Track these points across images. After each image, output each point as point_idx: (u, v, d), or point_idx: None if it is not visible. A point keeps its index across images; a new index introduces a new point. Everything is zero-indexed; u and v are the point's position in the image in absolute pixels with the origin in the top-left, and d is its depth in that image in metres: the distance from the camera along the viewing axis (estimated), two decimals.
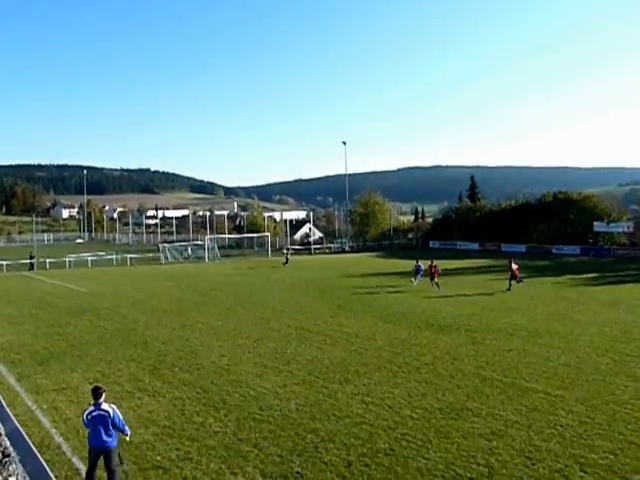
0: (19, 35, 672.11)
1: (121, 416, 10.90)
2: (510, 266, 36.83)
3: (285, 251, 62.58)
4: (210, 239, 72.96)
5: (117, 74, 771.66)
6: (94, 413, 10.64)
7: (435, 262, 38.44)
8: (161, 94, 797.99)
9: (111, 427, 10.65)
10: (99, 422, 10.60)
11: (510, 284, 36.34)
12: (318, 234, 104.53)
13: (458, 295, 34.55)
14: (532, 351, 20.36)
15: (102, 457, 10.63)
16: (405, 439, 12.70)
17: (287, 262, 58.65)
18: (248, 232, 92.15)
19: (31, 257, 61.25)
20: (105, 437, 10.58)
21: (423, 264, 39.94)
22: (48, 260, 61.07)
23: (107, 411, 10.67)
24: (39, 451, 11.40)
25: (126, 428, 11.03)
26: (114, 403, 14.93)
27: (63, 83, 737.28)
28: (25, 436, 11.14)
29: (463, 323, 25.71)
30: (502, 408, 14.47)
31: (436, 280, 37.16)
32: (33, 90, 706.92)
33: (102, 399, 10.76)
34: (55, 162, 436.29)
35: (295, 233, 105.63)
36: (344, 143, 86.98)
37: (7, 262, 58.83)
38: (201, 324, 26.68)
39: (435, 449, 12.17)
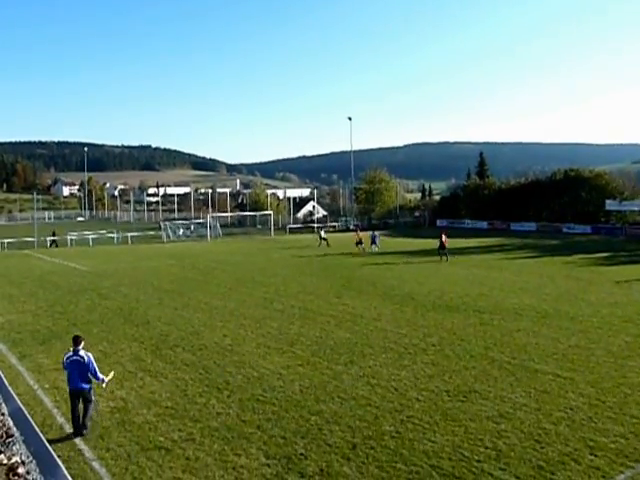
0: (18, 11, 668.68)
1: (95, 364, 12.76)
2: (441, 238, 41.65)
3: (321, 231, 57.84)
4: (212, 217, 72.89)
5: (118, 50, 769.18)
6: (72, 358, 12.60)
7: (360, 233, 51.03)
8: (163, 70, 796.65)
9: (86, 371, 12.51)
10: (75, 366, 12.53)
11: (446, 255, 41.15)
12: (322, 212, 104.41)
13: (466, 275, 34.53)
14: (541, 332, 20.36)
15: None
16: (411, 421, 12.74)
17: (325, 242, 53.77)
18: (251, 210, 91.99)
19: (53, 234, 62.57)
20: (80, 380, 12.48)
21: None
22: (49, 238, 61.21)
23: (82, 357, 12.55)
24: (41, 431, 11.45)
25: (99, 375, 12.76)
26: (117, 384, 15.09)
27: (64, 59, 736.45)
28: (28, 416, 11.18)
29: (471, 303, 25.71)
30: (510, 390, 14.50)
31: (363, 245, 48.42)
32: (33, 67, 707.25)
33: (80, 347, 12.71)
34: (56, 139, 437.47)
35: (298, 211, 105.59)
36: (349, 119, 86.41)
37: (8, 240, 58.99)
38: (203, 304, 26.75)
39: (442, 432, 12.21)
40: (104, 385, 13.11)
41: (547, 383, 14.96)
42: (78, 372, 12.51)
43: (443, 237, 41.70)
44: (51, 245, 60.79)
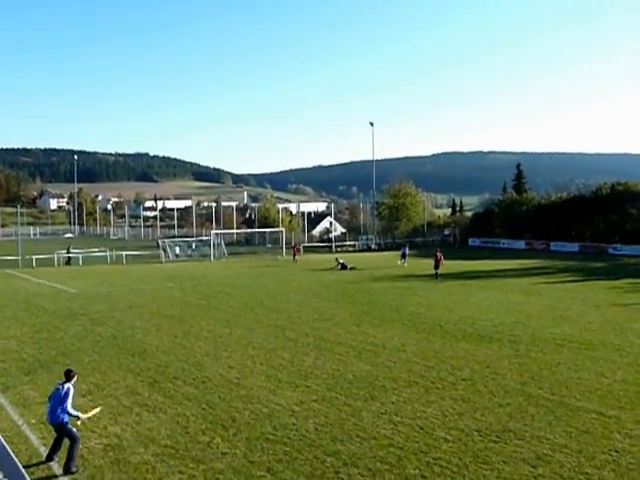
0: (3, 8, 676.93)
1: (70, 397, 12.85)
2: (436, 256, 45.79)
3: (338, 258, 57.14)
4: (216, 234, 73.26)
5: (111, 48, 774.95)
6: (54, 387, 13.29)
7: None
8: (161, 71, 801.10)
9: (62, 402, 12.79)
10: (53, 397, 13.03)
11: (437, 276, 44.86)
12: (340, 229, 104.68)
13: (501, 301, 34.55)
14: (584, 365, 20.37)
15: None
16: (438, 464, 12.81)
17: (344, 267, 53.85)
18: (260, 226, 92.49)
19: (68, 251, 64.61)
20: (53, 412, 12.84)
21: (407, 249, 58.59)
22: (34, 257, 61.64)
23: (62, 387, 12.96)
24: (27, 471, 11.65)
25: (68, 407, 12.78)
26: (111, 419, 15.26)
27: (51, 58, 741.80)
28: (12, 454, 11.40)
29: (506, 333, 25.74)
30: (549, 430, 14.53)
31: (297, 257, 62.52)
32: (17, 66, 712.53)
33: (69, 381, 13.12)
34: (42, 146, 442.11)
35: (314, 228, 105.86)
36: (371, 124, 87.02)
37: None
38: (206, 331, 26.93)
39: (472, 476, 12.26)
40: (79, 423, 13.44)
41: (590, 422, 14.99)
42: (54, 403, 12.91)
43: (438, 255, 45.80)
44: (67, 263, 62.75)
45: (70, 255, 63.77)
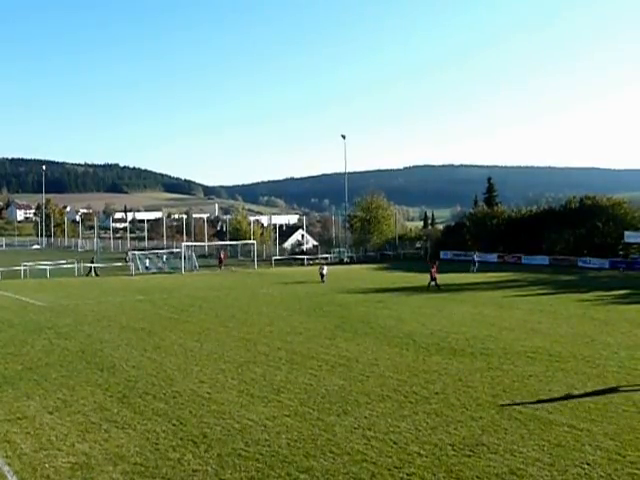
0: None
1: None
2: (433, 267, 48.02)
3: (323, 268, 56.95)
4: (187, 246, 72.95)
5: (80, 59, 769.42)
6: None
7: None
8: (132, 81, 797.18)
9: None
10: None
11: (430, 284, 47.04)
12: (312, 242, 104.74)
13: (473, 314, 34.72)
14: (555, 378, 20.50)
15: None
16: (412, 479, 12.80)
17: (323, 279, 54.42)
18: (231, 239, 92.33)
19: (92, 262, 65.64)
20: None
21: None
22: (0, 269, 60.90)
23: None
24: None
25: None
26: (79, 436, 15.01)
27: (19, 68, 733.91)
28: None
29: (478, 346, 25.86)
30: (522, 443, 14.57)
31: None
32: None
33: None
34: (9, 155, 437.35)
35: (285, 241, 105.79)
36: (343, 137, 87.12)
37: None
38: (177, 345, 26.72)
39: None
40: None
41: (562, 435, 15.06)
42: None
43: (434, 268, 47.83)
44: (88, 273, 63.47)
45: (94, 266, 64.48)
